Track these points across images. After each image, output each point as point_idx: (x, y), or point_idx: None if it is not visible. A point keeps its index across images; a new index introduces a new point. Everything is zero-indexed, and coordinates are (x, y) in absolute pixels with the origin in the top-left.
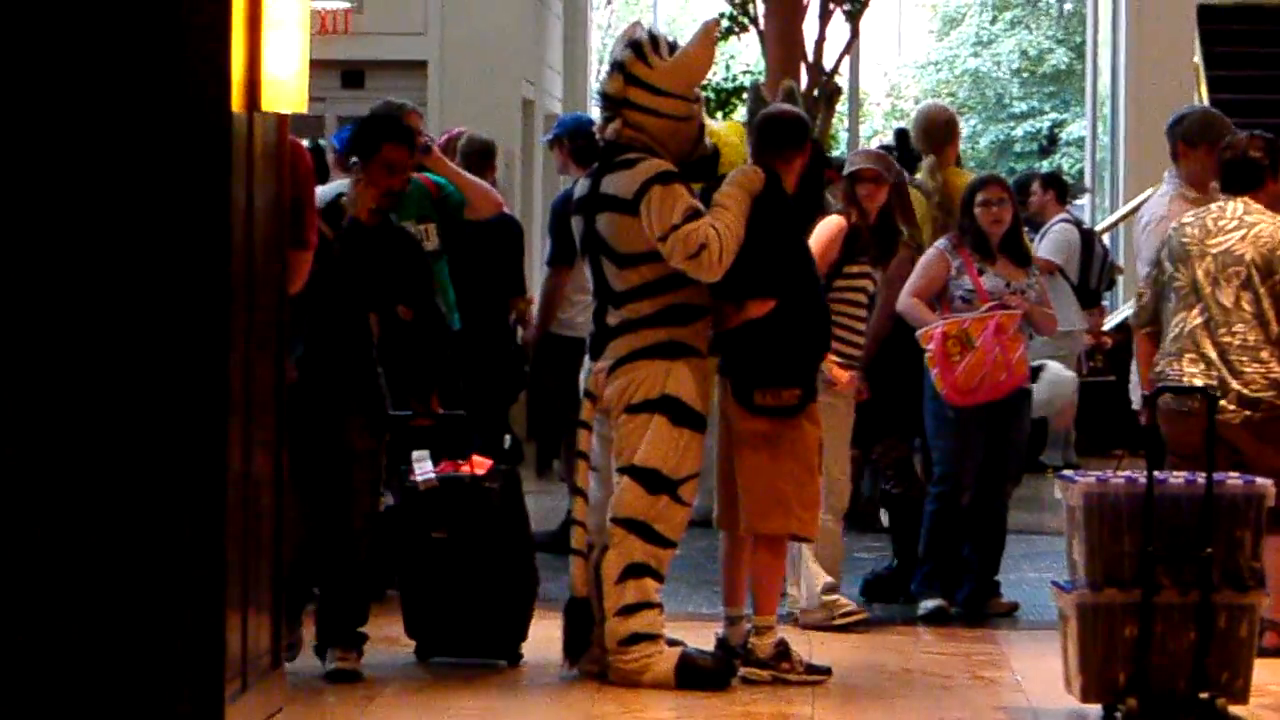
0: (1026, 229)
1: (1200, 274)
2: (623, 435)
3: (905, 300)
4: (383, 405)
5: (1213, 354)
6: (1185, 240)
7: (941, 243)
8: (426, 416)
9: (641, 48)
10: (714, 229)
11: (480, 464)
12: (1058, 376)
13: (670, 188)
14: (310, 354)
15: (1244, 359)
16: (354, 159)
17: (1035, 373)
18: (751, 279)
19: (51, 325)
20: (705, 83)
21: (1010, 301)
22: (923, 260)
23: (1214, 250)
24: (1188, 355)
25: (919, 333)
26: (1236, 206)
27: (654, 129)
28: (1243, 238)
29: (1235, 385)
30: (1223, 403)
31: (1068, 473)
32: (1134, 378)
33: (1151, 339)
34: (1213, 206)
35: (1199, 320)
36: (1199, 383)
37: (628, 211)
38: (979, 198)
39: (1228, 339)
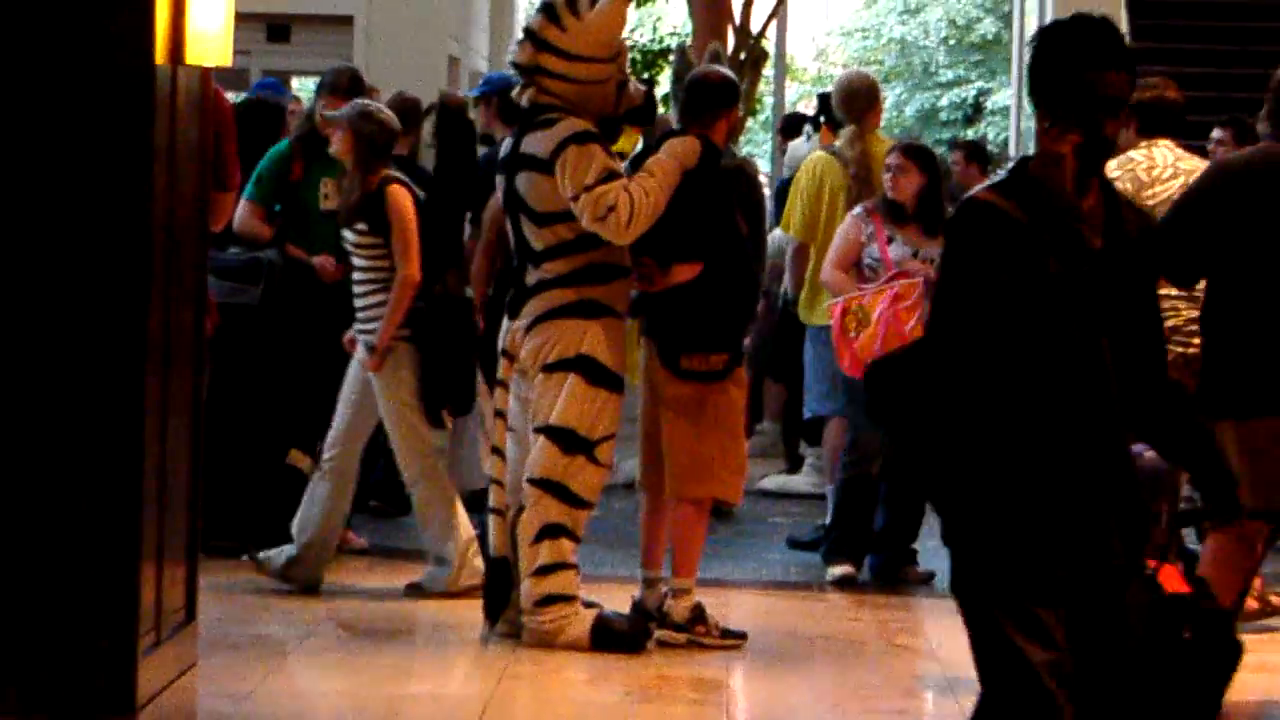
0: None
1: None
2: (539, 395)
3: (827, 271)
4: None
5: None
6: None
7: (857, 210)
8: None
9: (554, 9)
10: (627, 193)
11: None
12: None
13: (586, 148)
14: None
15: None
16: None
17: None
18: (678, 243)
19: None
20: (632, 44)
21: (911, 269)
22: (840, 228)
23: (1151, 203)
24: None
25: (825, 305)
26: (1165, 154)
27: (568, 94)
28: (1182, 186)
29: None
30: None
31: None
32: None
33: None
34: (1135, 155)
35: None
36: None
37: (545, 170)
38: (885, 161)
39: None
